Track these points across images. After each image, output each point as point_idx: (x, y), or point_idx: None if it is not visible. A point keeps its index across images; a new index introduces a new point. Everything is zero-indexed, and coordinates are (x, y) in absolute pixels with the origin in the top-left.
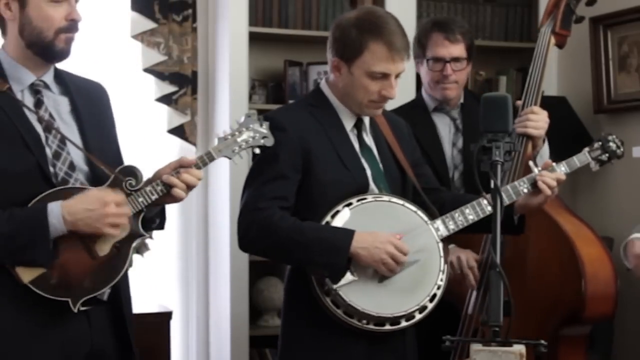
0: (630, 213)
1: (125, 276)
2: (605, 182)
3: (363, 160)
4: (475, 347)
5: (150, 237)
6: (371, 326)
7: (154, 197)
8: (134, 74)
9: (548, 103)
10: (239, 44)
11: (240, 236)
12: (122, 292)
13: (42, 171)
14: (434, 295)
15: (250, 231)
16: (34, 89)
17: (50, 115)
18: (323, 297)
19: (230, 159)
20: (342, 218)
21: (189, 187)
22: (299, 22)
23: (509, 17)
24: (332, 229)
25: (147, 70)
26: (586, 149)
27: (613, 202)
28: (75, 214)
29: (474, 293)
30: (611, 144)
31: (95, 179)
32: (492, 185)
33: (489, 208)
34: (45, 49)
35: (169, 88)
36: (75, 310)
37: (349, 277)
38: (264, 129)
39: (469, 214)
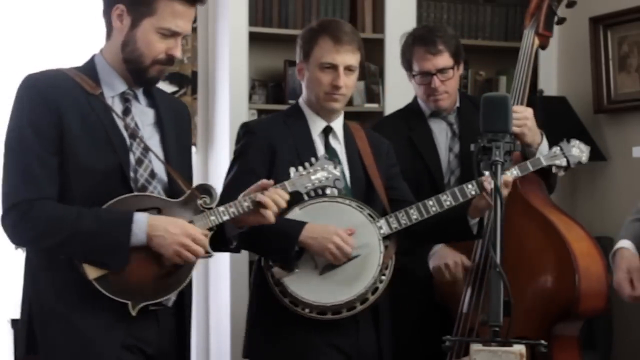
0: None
1: (190, 284)
2: (605, 182)
3: None
4: (475, 347)
5: (210, 255)
6: (314, 314)
7: (225, 217)
8: None
9: (548, 103)
10: (239, 44)
11: None
12: (185, 298)
13: (122, 174)
14: (376, 289)
15: None
16: (124, 97)
17: (136, 124)
18: (274, 287)
19: (301, 193)
20: (292, 215)
21: (277, 207)
22: (299, 22)
23: (509, 17)
24: (287, 221)
25: None
26: (542, 154)
27: (613, 202)
28: (156, 231)
29: (469, 292)
30: (574, 149)
31: (172, 190)
32: (492, 186)
33: (434, 208)
34: (138, 72)
35: (169, 88)
36: (134, 314)
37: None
38: (337, 172)
39: (412, 214)
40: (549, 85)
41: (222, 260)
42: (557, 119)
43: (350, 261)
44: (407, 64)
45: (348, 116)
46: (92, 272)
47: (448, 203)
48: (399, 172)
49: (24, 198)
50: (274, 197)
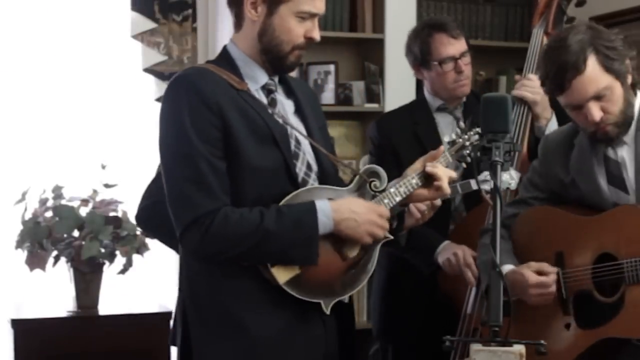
0: None
1: None
2: None
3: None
4: (475, 347)
5: (389, 237)
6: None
7: (398, 199)
8: (134, 74)
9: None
10: None
11: None
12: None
13: (288, 169)
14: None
15: None
16: (267, 89)
17: (283, 116)
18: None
19: (460, 162)
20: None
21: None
22: None
23: (509, 17)
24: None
25: (147, 70)
26: (472, 179)
27: None
28: (342, 214)
29: (473, 291)
30: (504, 175)
31: (324, 178)
32: (492, 185)
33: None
34: (278, 60)
35: None
36: (328, 312)
37: None
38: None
39: None
40: None
41: None
42: (557, 119)
43: None
44: (424, 55)
45: (348, 116)
46: (282, 276)
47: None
48: (326, 123)
49: (204, 211)
50: (442, 168)
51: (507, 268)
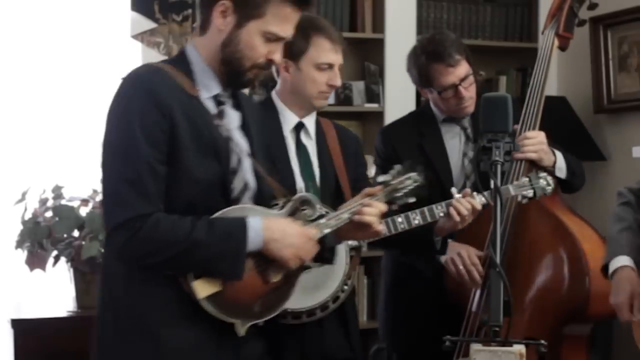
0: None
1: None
2: (605, 182)
3: (295, 160)
4: (475, 347)
5: (310, 267)
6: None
7: (326, 231)
8: None
9: (548, 103)
10: None
11: None
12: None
13: (224, 185)
14: (337, 297)
15: None
16: (217, 100)
17: (228, 130)
18: None
19: (390, 205)
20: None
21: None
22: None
23: (509, 17)
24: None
25: None
26: (511, 184)
27: (613, 202)
28: (273, 233)
29: (478, 290)
30: (541, 181)
31: (260, 199)
32: (491, 185)
33: (402, 226)
34: (236, 74)
35: None
36: (243, 333)
37: None
38: (422, 179)
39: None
40: (549, 85)
41: None
42: (557, 119)
43: (314, 268)
44: (423, 81)
45: (348, 116)
46: (202, 291)
47: (416, 222)
48: (365, 174)
49: (136, 214)
50: (374, 211)
51: (622, 261)
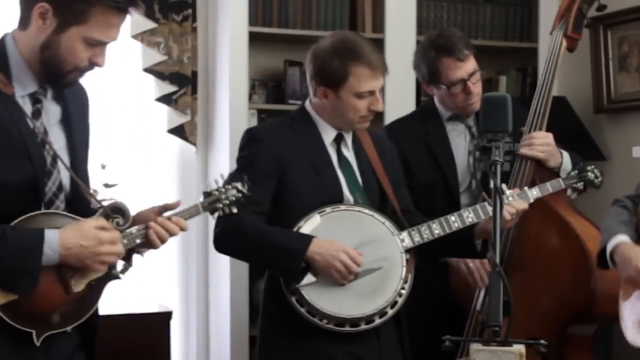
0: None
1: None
2: (605, 182)
3: (339, 171)
4: (475, 347)
5: (119, 278)
6: (331, 326)
7: (137, 241)
8: (134, 74)
9: None
10: (239, 44)
11: (214, 238)
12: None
13: (35, 187)
14: (395, 302)
15: (222, 233)
16: (35, 97)
17: (45, 129)
18: (289, 296)
19: (212, 214)
20: (312, 224)
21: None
22: (299, 22)
23: (509, 17)
24: (293, 234)
25: (147, 70)
26: (561, 177)
27: None
28: (70, 249)
29: (483, 290)
30: (589, 173)
31: (75, 203)
32: (491, 185)
33: (456, 224)
34: (55, 76)
35: (169, 88)
36: (38, 344)
37: (310, 277)
38: (246, 190)
39: (435, 229)
40: None
41: (222, 261)
42: (557, 119)
43: (371, 274)
44: (432, 76)
45: None
46: None
47: (470, 220)
48: (402, 179)
49: None
50: (170, 227)
51: (620, 238)
